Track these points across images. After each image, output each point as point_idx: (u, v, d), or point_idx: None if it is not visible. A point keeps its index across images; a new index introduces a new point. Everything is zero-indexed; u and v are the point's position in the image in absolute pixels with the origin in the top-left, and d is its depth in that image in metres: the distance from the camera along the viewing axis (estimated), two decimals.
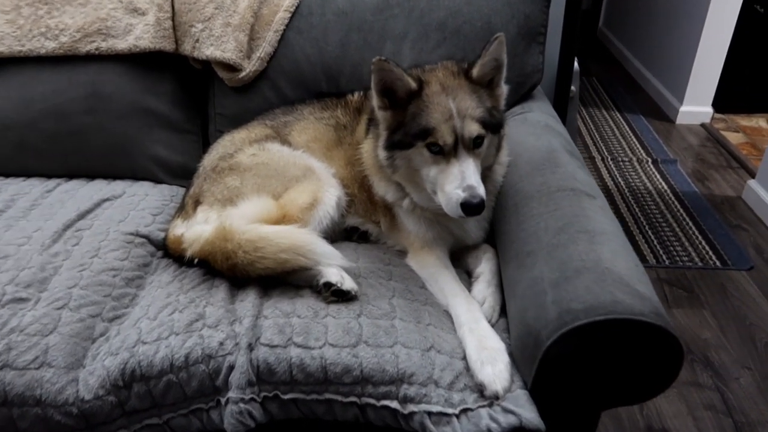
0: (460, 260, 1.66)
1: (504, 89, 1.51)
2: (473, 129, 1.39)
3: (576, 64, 2.20)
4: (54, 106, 1.96)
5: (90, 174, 2.05)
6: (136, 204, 1.90)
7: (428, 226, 1.60)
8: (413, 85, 1.43)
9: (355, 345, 1.31)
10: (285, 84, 1.98)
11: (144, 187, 2.00)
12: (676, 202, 3.31)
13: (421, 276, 1.56)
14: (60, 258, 1.61)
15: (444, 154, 1.40)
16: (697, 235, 3.04)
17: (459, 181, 1.37)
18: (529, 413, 1.19)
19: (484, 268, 1.55)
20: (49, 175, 2.05)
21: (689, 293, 2.68)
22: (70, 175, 2.05)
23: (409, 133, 1.43)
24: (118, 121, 1.98)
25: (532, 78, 1.99)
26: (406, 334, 1.33)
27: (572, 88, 2.20)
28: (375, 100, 1.48)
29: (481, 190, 1.36)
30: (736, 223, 3.17)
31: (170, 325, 1.38)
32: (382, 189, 1.63)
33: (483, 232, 1.65)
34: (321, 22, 1.94)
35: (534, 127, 1.81)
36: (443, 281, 1.49)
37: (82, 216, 1.80)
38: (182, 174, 2.05)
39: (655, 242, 2.98)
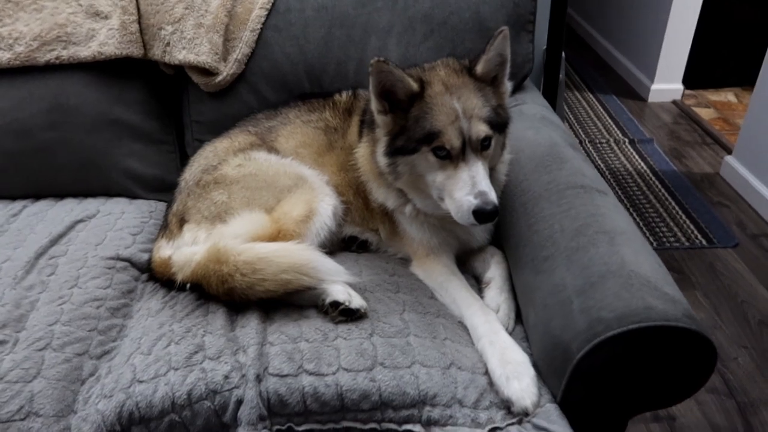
0: (467, 264, 1.59)
1: (508, 86, 1.44)
2: (481, 130, 1.31)
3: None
4: (14, 122, 1.80)
5: (58, 193, 1.90)
6: (113, 224, 1.76)
7: (432, 232, 1.53)
8: (415, 86, 1.34)
9: (371, 368, 1.23)
10: (265, 86, 1.87)
11: (119, 204, 1.86)
12: (656, 182, 3.32)
13: (429, 285, 1.49)
14: (36, 291, 1.48)
15: (451, 158, 1.32)
16: (681, 214, 3.04)
17: (469, 187, 1.29)
18: (562, 429, 1.13)
19: (495, 272, 1.48)
20: (13, 197, 1.89)
21: (680, 275, 2.68)
22: (37, 196, 1.90)
23: (413, 137, 1.34)
24: (86, 135, 1.83)
25: (524, 68, 1.92)
26: (424, 352, 1.26)
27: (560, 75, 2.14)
28: (374, 104, 1.38)
29: (493, 196, 1.29)
30: (717, 200, 3.19)
31: (167, 359, 1.27)
32: (382, 195, 1.54)
33: (489, 235, 1.59)
34: (300, 19, 1.82)
35: (531, 121, 1.75)
36: (454, 291, 1.42)
37: (54, 241, 1.66)
38: (159, 188, 1.92)
39: (641, 224, 2.97)
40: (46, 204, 1.87)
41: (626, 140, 3.74)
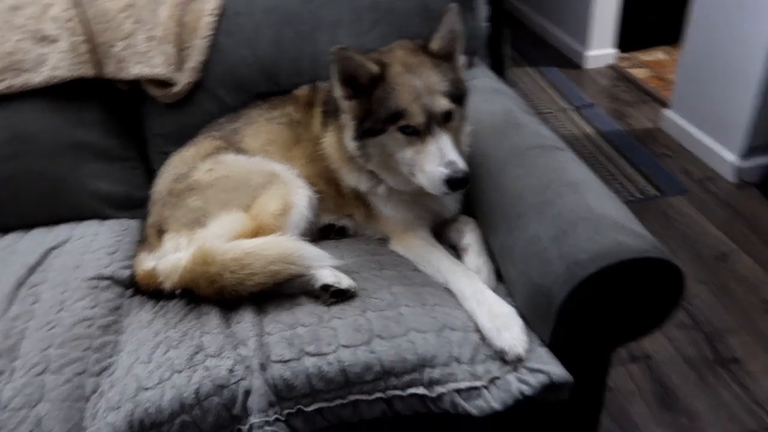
0: (442, 236, 1.66)
1: (462, 60, 1.51)
2: (443, 104, 1.39)
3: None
4: None
5: (26, 224, 1.87)
6: (88, 246, 1.75)
7: (407, 209, 1.59)
8: (375, 69, 1.40)
9: (369, 341, 1.28)
10: (223, 91, 1.89)
11: (91, 227, 1.85)
12: (604, 143, 3.48)
13: (411, 259, 1.55)
14: (22, 320, 1.47)
15: (418, 133, 1.39)
16: (631, 170, 3.21)
17: (439, 158, 1.36)
18: (556, 368, 1.22)
19: (470, 239, 1.56)
20: None
21: None
22: (4, 229, 1.86)
23: (379, 118, 1.40)
24: (48, 162, 1.81)
25: (470, 46, 2.00)
26: (416, 319, 1.32)
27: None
28: (338, 91, 1.43)
29: (462, 164, 1.36)
30: (662, 152, 3.38)
31: (169, 364, 1.30)
32: (354, 179, 1.60)
33: (459, 204, 1.66)
34: (250, 22, 1.85)
35: (484, 93, 1.83)
36: (436, 260, 1.49)
37: (32, 270, 1.64)
38: (129, 205, 1.92)
39: None
40: (16, 236, 1.84)
41: (570, 108, 3.90)
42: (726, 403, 1.98)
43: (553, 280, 1.21)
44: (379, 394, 1.26)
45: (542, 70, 4.47)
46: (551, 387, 1.21)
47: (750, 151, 3.02)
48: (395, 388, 1.26)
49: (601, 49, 4.39)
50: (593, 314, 1.24)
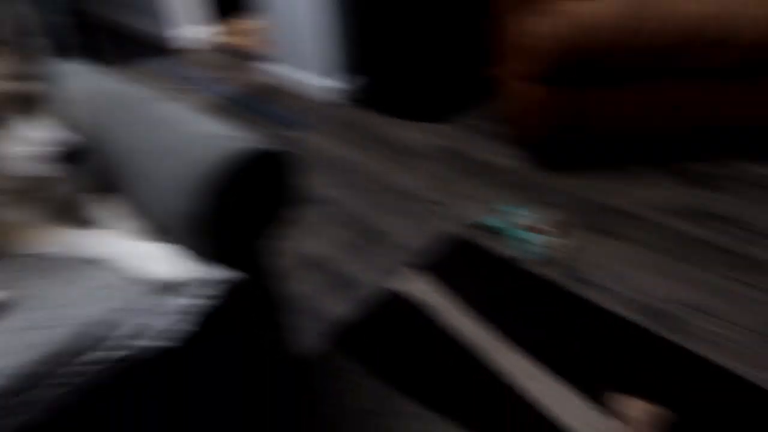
0: (88, 221, 1.61)
1: (29, 46, 1.45)
2: (7, 87, 1.33)
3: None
4: None
5: None
6: None
7: (29, 206, 1.47)
8: None
9: (39, 339, 1.21)
10: None
11: None
12: (232, 107, 3.73)
13: (56, 251, 1.46)
14: None
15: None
16: (262, 121, 3.55)
17: (29, 140, 1.32)
18: (225, 273, 1.36)
19: (113, 209, 1.55)
20: None
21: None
22: None
23: None
24: None
25: (38, 37, 1.91)
26: (82, 298, 1.30)
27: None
28: None
29: (60, 135, 1.34)
30: (280, 99, 3.81)
31: None
32: None
33: (85, 184, 1.60)
34: None
35: (74, 76, 1.80)
36: (80, 241, 1.44)
37: None
38: None
39: None
40: None
41: (186, 89, 4.02)
42: (379, 262, 2.47)
43: (192, 203, 1.33)
44: (64, 380, 1.22)
45: (146, 64, 4.43)
46: (231, 290, 1.35)
47: (345, 78, 3.64)
48: (91, 363, 1.24)
49: (190, 27, 4.59)
50: (239, 215, 1.40)
